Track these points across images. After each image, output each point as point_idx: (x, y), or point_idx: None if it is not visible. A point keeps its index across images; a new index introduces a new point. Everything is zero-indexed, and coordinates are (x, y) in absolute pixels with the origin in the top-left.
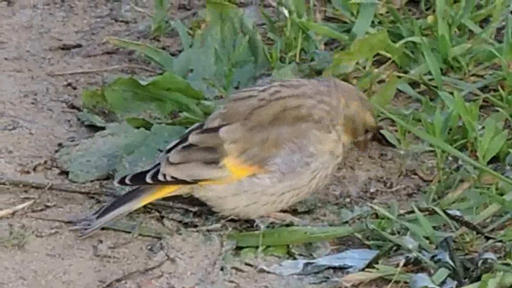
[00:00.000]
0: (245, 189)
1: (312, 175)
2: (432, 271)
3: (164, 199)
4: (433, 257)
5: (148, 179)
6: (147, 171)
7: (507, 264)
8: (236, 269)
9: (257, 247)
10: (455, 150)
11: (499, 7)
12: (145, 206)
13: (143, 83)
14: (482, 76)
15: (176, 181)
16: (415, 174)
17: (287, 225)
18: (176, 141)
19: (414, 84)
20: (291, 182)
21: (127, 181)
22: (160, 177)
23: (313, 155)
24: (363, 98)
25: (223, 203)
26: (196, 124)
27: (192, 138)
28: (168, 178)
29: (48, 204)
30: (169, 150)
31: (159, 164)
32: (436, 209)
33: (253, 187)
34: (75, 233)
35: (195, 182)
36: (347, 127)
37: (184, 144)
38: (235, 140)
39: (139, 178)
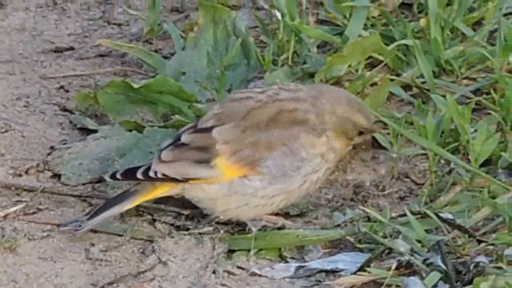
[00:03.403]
0: (236, 190)
1: (302, 179)
2: (424, 275)
3: (156, 202)
4: (425, 260)
5: (139, 175)
6: (139, 167)
7: (499, 268)
8: (228, 272)
9: (249, 250)
10: (447, 153)
11: (492, 10)
12: (137, 209)
13: (135, 85)
14: (474, 79)
15: (167, 179)
16: (407, 177)
17: (279, 228)
18: (170, 141)
19: (406, 87)
20: (281, 185)
21: (118, 176)
22: (151, 174)
23: (304, 160)
24: (352, 101)
25: (214, 205)
26: (189, 125)
27: (184, 138)
28: (159, 175)
29: (40, 207)
30: (162, 150)
31: (151, 162)
32: (428, 212)
33: (244, 189)
34: (66, 234)
35: (186, 180)
36: (336, 132)
37: (176, 143)
38: (227, 141)
39: (130, 173)
